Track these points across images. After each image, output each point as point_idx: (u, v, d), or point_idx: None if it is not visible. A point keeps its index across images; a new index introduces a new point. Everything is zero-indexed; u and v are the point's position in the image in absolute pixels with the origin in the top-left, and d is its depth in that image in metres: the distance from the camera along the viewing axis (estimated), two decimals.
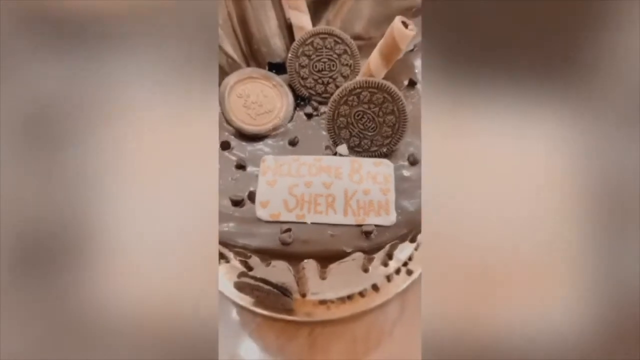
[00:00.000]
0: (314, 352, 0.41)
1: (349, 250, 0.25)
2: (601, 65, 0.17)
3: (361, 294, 0.41)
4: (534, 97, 0.17)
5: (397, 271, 0.42)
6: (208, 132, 0.18)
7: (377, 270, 0.37)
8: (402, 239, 0.27)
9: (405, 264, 0.42)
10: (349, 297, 0.40)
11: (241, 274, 0.37)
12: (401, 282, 0.42)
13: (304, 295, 0.38)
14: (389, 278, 0.41)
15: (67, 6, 0.16)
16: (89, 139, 0.16)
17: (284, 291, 0.36)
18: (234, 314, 0.43)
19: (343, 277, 0.37)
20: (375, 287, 0.41)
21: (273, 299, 0.37)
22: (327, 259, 0.26)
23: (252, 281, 0.36)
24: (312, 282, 0.36)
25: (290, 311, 0.40)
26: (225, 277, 0.41)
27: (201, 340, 0.17)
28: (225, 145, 0.29)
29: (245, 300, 0.41)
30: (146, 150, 0.17)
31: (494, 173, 0.18)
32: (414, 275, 0.42)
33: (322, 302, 0.40)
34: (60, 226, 0.15)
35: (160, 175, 0.17)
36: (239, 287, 0.38)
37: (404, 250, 0.40)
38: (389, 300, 0.41)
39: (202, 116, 0.18)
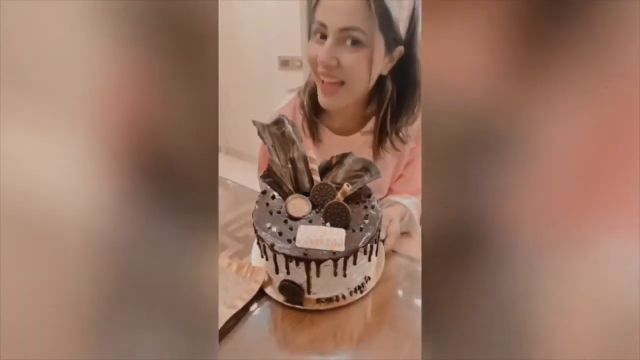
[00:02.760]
0: (311, 328, 0.83)
1: (327, 258, 0.73)
2: None
3: (336, 298, 0.84)
4: None
5: (355, 290, 0.86)
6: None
7: (342, 283, 0.82)
8: (346, 258, 0.74)
9: (360, 288, 0.87)
10: (330, 299, 0.84)
11: (283, 281, 0.82)
12: (357, 296, 0.86)
13: (309, 293, 0.83)
14: (350, 293, 0.86)
15: None
16: None
17: (302, 288, 0.81)
18: (268, 309, 0.86)
19: (327, 286, 0.82)
20: (343, 296, 0.85)
21: (295, 294, 0.82)
22: (319, 262, 0.73)
23: (287, 283, 0.81)
24: (313, 285, 0.81)
25: (300, 304, 0.84)
26: (272, 287, 0.87)
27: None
28: (285, 222, 0.79)
29: (280, 298, 0.85)
30: None
31: None
32: (364, 292, 0.87)
33: (318, 300, 0.84)
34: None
35: None
36: (280, 287, 0.83)
37: (359, 276, 0.86)
38: (350, 303, 0.85)
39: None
